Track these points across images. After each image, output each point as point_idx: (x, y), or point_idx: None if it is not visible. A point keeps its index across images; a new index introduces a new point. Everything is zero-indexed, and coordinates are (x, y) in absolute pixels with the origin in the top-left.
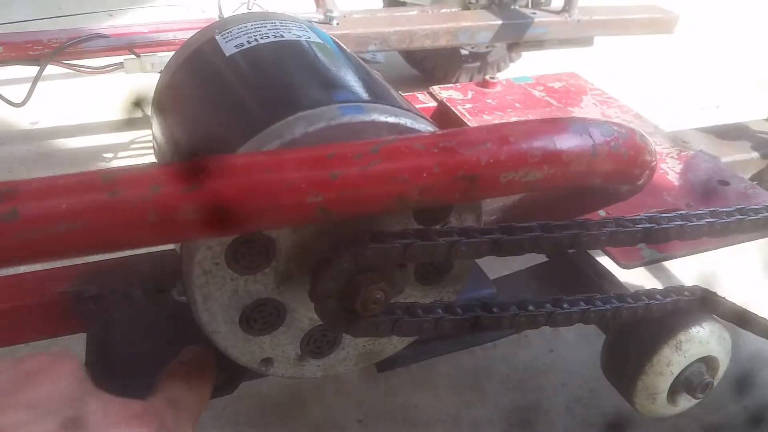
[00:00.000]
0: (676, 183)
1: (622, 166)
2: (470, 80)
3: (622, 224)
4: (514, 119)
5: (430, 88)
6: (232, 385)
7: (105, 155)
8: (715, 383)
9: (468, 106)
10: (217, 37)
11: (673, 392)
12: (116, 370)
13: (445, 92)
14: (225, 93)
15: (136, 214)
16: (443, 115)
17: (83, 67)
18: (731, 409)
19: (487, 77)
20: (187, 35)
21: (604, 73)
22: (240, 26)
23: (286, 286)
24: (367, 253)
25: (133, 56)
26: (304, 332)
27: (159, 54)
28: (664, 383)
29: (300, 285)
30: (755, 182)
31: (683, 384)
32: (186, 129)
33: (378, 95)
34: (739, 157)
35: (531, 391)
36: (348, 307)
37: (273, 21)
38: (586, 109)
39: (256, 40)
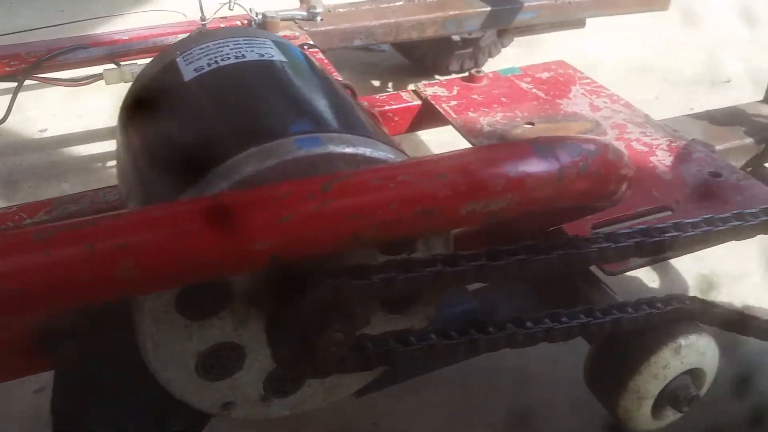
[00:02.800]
0: (666, 178)
1: (593, 185)
2: (461, 67)
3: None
4: (499, 116)
5: (416, 85)
6: (199, 428)
7: (114, 162)
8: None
9: (453, 103)
10: (177, 60)
11: (658, 404)
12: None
13: (430, 89)
14: (177, 127)
15: (73, 272)
16: (428, 114)
17: (62, 80)
18: (731, 409)
19: (473, 71)
20: (168, 41)
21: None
22: (202, 46)
23: (244, 328)
24: (324, 293)
25: (113, 66)
26: (266, 372)
27: (139, 62)
28: (655, 388)
29: (259, 325)
30: (750, 168)
31: (669, 396)
32: (139, 166)
33: (341, 120)
34: (733, 143)
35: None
36: (309, 352)
37: (236, 39)
38: (575, 100)
39: (216, 62)
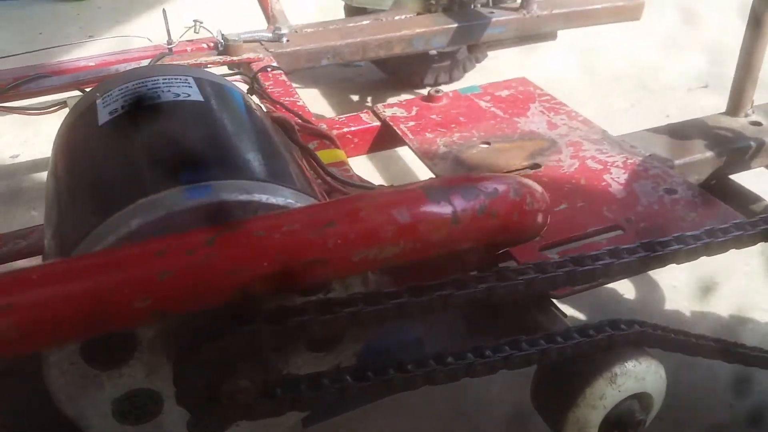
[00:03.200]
0: (619, 196)
1: (496, 226)
2: (436, 80)
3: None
4: (456, 136)
5: (375, 106)
6: None
7: None
8: (648, 422)
9: (411, 124)
10: (97, 102)
11: (605, 429)
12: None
13: (389, 110)
14: (82, 175)
15: None
16: (387, 135)
17: (27, 108)
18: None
19: (432, 91)
20: (131, 66)
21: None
22: (121, 87)
23: (155, 375)
24: (227, 342)
25: (78, 93)
26: (188, 416)
27: None
28: (596, 417)
29: (171, 372)
30: (714, 181)
31: (615, 422)
32: (47, 213)
33: (245, 165)
34: (693, 158)
35: None
36: (215, 400)
37: (156, 78)
38: (533, 118)
39: (130, 104)
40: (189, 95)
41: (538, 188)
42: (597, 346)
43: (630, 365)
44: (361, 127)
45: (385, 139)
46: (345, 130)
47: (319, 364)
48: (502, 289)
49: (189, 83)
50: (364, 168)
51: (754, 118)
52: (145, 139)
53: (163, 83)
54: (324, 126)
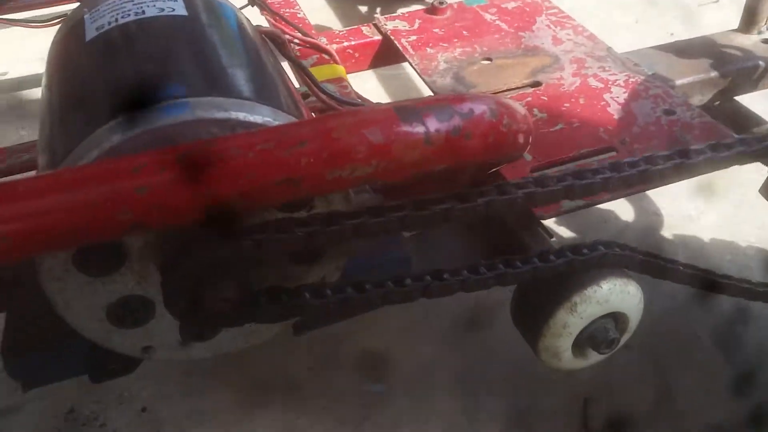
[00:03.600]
0: (617, 117)
1: (470, 147)
2: None
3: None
4: (458, 51)
5: (377, 19)
6: (131, 369)
7: None
8: (627, 337)
9: (412, 38)
10: (85, 17)
11: (579, 347)
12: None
13: (391, 23)
14: (68, 91)
15: None
16: (389, 50)
17: (23, 20)
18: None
19: (437, 2)
20: None
21: None
22: (109, 2)
23: (147, 282)
24: (208, 254)
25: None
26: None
27: None
28: (565, 343)
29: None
30: (719, 102)
31: (588, 340)
32: (40, 127)
33: (227, 82)
34: (695, 78)
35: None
36: (199, 307)
37: None
38: (538, 33)
39: (116, 20)
40: (174, 9)
41: (520, 109)
42: (556, 272)
43: (590, 291)
44: (362, 41)
45: (387, 54)
46: (345, 44)
47: (303, 277)
48: (459, 211)
49: None
50: (370, 84)
51: (767, 35)
52: (128, 56)
53: None
54: (324, 40)
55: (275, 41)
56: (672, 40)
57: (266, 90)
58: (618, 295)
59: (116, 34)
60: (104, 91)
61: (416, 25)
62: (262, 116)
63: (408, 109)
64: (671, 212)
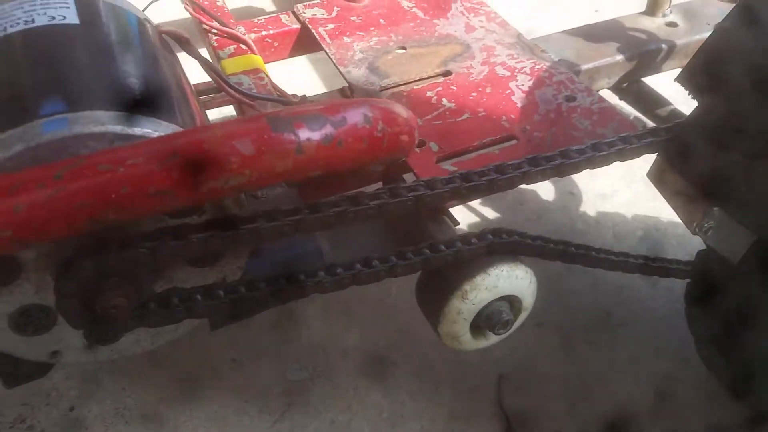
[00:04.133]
0: (520, 105)
1: (343, 155)
2: None
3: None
4: (374, 41)
5: (295, 6)
6: (44, 372)
7: None
8: (525, 315)
9: (330, 27)
10: None
11: (477, 330)
12: None
13: (309, 12)
14: None
15: None
16: (308, 38)
17: None
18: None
19: None
20: None
21: None
22: (1, 7)
23: (45, 291)
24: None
25: None
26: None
27: None
28: (462, 329)
29: None
30: (626, 84)
31: (485, 322)
32: None
33: (108, 95)
34: (602, 62)
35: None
36: (92, 312)
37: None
38: (452, 20)
39: (4, 29)
40: (64, 17)
41: (402, 111)
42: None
43: (479, 279)
44: (281, 29)
45: (306, 43)
46: (264, 33)
47: (204, 278)
48: (351, 214)
49: (67, 3)
50: (297, 66)
51: (671, 18)
52: (10, 69)
53: (40, 5)
54: (242, 29)
55: (179, 41)
56: (596, 16)
57: (153, 100)
58: (506, 279)
59: (4, 44)
60: None
61: (334, 13)
62: (141, 128)
63: (280, 120)
64: (587, 191)
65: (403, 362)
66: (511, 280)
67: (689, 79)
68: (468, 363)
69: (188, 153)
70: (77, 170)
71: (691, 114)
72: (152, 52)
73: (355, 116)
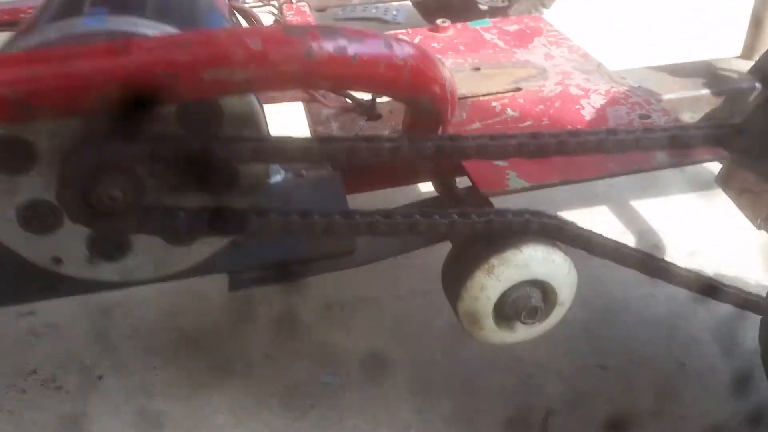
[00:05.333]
0: (588, 118)
1: (356, 71)
2: None
3: None
4: (449, 62)
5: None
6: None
7: None
8: (562, 311)
9: None
10: None
11: (502, 318)
12: None
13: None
14: None
15: None
16: None
17: None
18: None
19: (440, 21)
20: None
21: None
22: None
23: (54, 189)
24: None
25: None
26: (86, 233)
27: None
28: (484, 307)
29: None
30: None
31: (510, 307)
32: None
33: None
34: (684, 94)
35: None
36: (88, 203)
37: None
38: (532, 50)
39: None
40: None
41: (430, 54)
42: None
43: (509, 254)
44: None
45: None
46: None
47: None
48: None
49: None
50: None
51: None
52: None
53: None
54: None
55: None
56: None
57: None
58: (540, 262)
59: None
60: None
61: (416, 40)
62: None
63: (297, 28)
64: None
65: (445, 384)
66: (547, 264)
67: (762, 71)
68: (516, 393)
69: (198, 42)
70: (93, 50)
71: (757, 107)
72: None
73: (376, 40)
